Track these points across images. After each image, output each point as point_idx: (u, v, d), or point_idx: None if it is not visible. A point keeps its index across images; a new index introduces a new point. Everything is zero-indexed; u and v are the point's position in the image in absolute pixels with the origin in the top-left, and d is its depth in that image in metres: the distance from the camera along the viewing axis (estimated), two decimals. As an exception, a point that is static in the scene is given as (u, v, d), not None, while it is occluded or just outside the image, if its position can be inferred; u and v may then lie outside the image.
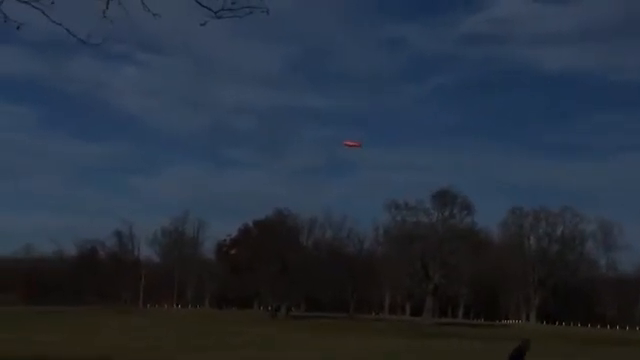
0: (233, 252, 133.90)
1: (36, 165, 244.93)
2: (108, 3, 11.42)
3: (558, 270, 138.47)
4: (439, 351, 64.11)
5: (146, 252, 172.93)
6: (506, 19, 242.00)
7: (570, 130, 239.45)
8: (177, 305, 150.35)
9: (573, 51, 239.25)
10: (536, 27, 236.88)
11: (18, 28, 11.56)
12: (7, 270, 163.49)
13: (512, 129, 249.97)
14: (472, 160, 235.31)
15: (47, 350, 48.93)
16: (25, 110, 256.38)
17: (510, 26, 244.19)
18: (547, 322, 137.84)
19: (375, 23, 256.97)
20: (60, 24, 11.60)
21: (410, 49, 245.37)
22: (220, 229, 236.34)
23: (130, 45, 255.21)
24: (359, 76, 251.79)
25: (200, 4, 11.47)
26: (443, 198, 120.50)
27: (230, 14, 11.51)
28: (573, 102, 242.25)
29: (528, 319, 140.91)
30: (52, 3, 11.31)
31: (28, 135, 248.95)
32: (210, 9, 11.48)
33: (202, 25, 11.62)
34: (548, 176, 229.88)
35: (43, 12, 11.38)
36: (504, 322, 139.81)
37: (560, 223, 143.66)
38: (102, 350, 51.01)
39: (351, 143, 60.48)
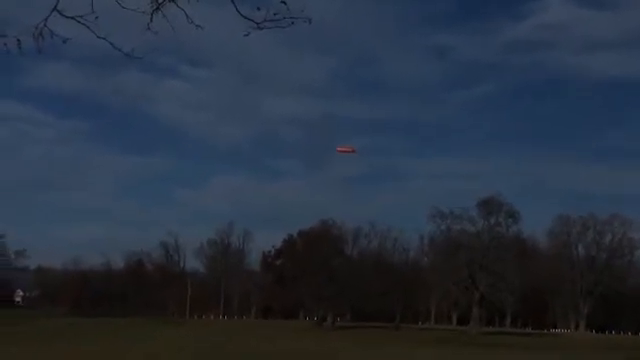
0: (278, 262, 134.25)
1: (83, 178, 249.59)
2: (152, 16, 11.45)
3: (607, 278, 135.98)
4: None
5: (192, 263, 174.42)
6: (553, 26, 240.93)
7: (618, 136, 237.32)
8: (223, 316, 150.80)
9: (622, 57, 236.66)
10: (584, 33, 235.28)
11: (64, 42, 11.62)
12: (56, 282, 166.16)
13: (559, 136, 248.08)
14: (518, 167, 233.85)
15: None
16: (73, 124, 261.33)
17: (558, 33, 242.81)
18: (596, 331, 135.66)
19: (420, 32, 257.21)
20: (104, 38, 11.65)
21: (456, 57, 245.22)
22: (265, 240, 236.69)
23: (176, 58, 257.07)
24: (404, 85, 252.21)
25: (242, 16, 11.45)
26: (488, 206, 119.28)
27: (272, 25, 11.48)
28: (621, 108, 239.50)
29: (577, 328, 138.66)
30: (96, 18, 11.37)
31: (76, 149, 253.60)
32: (252, 20, 11.45)
33: (245, 36, 11.60)
34: (596, 183, 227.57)
35: (88, 27, 11.44)
36: (553, 331, 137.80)
37: (608, 231, 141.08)
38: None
39: (344, 149, 59.93)
